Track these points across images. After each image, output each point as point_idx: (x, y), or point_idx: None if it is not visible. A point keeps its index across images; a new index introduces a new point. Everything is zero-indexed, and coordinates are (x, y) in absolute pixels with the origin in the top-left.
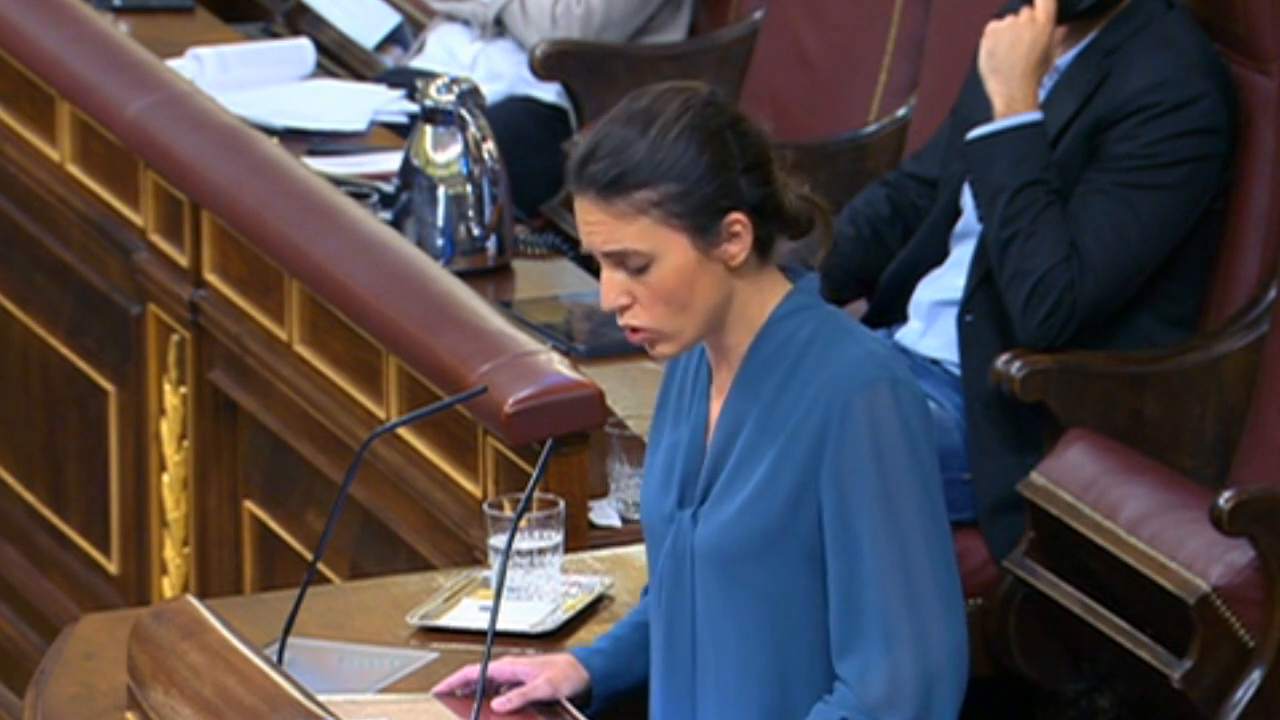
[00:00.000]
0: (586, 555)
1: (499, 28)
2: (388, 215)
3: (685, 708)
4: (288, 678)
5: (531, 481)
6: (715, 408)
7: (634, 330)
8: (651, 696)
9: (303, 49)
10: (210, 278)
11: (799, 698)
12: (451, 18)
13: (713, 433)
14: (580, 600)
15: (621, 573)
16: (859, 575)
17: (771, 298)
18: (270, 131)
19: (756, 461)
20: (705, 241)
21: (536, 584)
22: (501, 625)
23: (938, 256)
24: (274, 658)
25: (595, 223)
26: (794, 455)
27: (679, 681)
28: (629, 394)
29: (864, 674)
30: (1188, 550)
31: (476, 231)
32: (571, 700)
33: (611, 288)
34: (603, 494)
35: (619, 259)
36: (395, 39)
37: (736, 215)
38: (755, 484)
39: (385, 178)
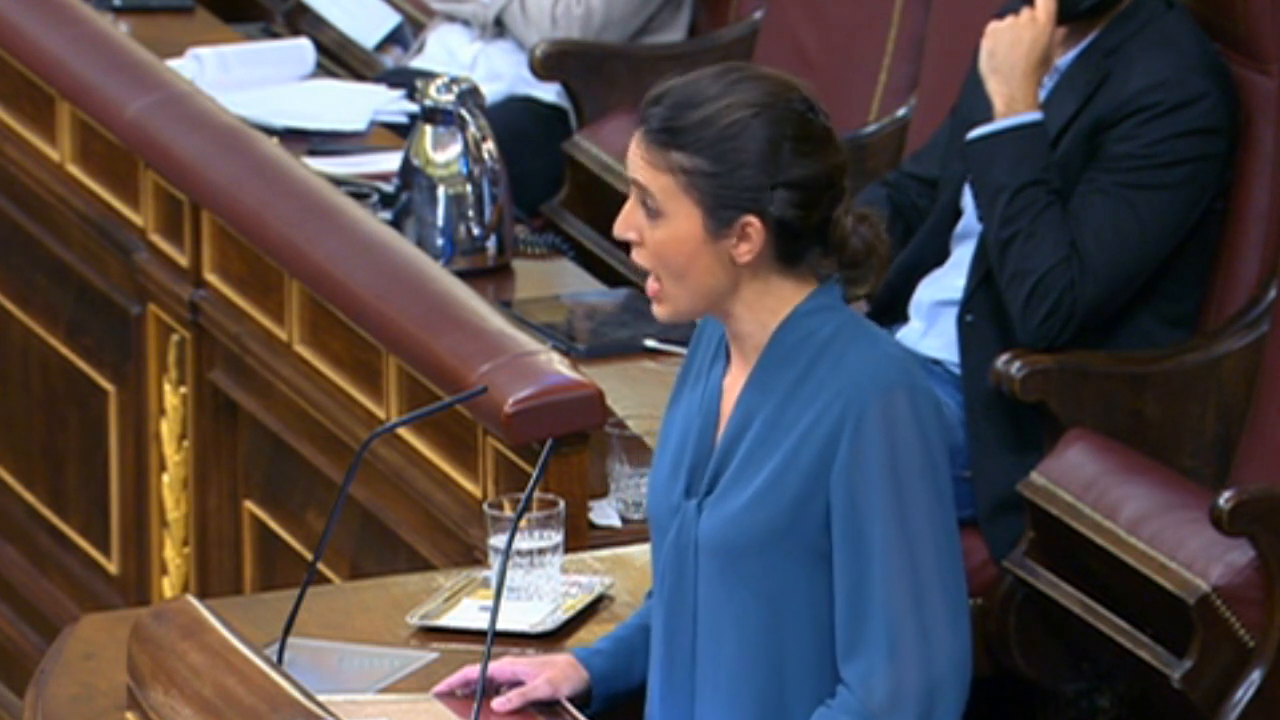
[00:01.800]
0: (586, 555)
1: (499, 28)
2: (388, 215)
3: (684, 699)
4: (288, 678)
5: (531, 481)
6: (729, 397)
7: (644, 274)
8: (649, 688)
9: (303, 49)
10: (210, 278)
11: (795, 694)
12: (451, 18)
13: (724, 423)
14: (580, 600)
15: (621, 573)
16: (867, 579)
17: (794, 296)
18: (270, 131)
19: (767, 456)
20: (715, 228)
21: (536, 584)
22: (501, 625)
23: (938, 257)
24: (274, 658)
25: (637, 155)
26: (806, 453)
27: (679, 672)
28: (629, 394)
29: (867, 679)
30: (1188, 550)
31: (476, 231)
32: (571, 700)
33: (626, 219)
34: (603, 494)
35: (641, 193)
36: (395, 39)
37: (751, 219)
38: (764, 479)
39: (385, 178)
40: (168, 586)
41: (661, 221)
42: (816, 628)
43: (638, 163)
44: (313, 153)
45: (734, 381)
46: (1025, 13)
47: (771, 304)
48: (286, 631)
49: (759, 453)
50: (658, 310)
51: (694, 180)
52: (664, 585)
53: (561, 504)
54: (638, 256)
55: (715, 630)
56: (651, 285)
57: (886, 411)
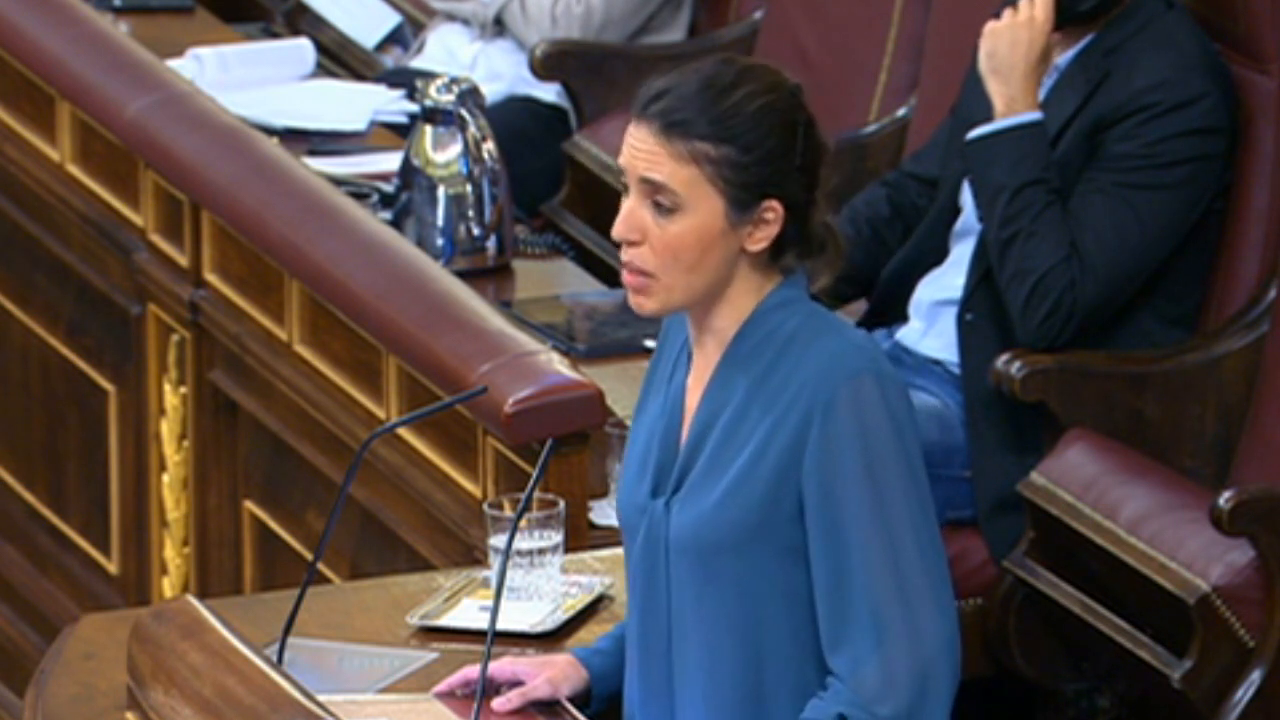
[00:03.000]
0: (586, 555)
1: (499, 28)
2: (388, 215)
3: (663, 699)
4: (288, 678)
5: (531, 481)
6: (693, 396)
7: (632, 271)
8: (627, 688)
9: (303, 49)
10: (210, 278)
11: (772, 689)
12: (451, 18)
13: (689, 421)
14: (580, 600)
15: (621, 573)
16: (847, 567)
17: (763, 290)
18: (270, 131)
19: (735, 452)
20: (737, 216)
21: (536, 584)
22: (501, 625)
23: (937, 256)
24: (274, 658)
25: (645, 150)
26: (774, 446)
27: (656, 672)
28: (629, 394)
29: (857, 667)
30: (1188, 550)
31: (476, 231)
32: (571, 700)
33: (629, 219)
34: (603, 494)
35: (652, 190)
36: (395, 39)
37: (774, 204)
38: (733, 475)
39: (385, 178)
40: (168, 586)
41: (678, 216)
42: (792, 621)
43: (651, 158)
44: (313, 153)
45: (697, 380)
46: (1024, 11)
47: (748, 298)
48: (286, 631)
49: (726, 450)
50: (645, 303)
51: (721, 169)
52: (636, 586)
53: (561, 504)
54: (636, 256)
55: (689, 629)
56: (636, 279)
57: (855, 398)
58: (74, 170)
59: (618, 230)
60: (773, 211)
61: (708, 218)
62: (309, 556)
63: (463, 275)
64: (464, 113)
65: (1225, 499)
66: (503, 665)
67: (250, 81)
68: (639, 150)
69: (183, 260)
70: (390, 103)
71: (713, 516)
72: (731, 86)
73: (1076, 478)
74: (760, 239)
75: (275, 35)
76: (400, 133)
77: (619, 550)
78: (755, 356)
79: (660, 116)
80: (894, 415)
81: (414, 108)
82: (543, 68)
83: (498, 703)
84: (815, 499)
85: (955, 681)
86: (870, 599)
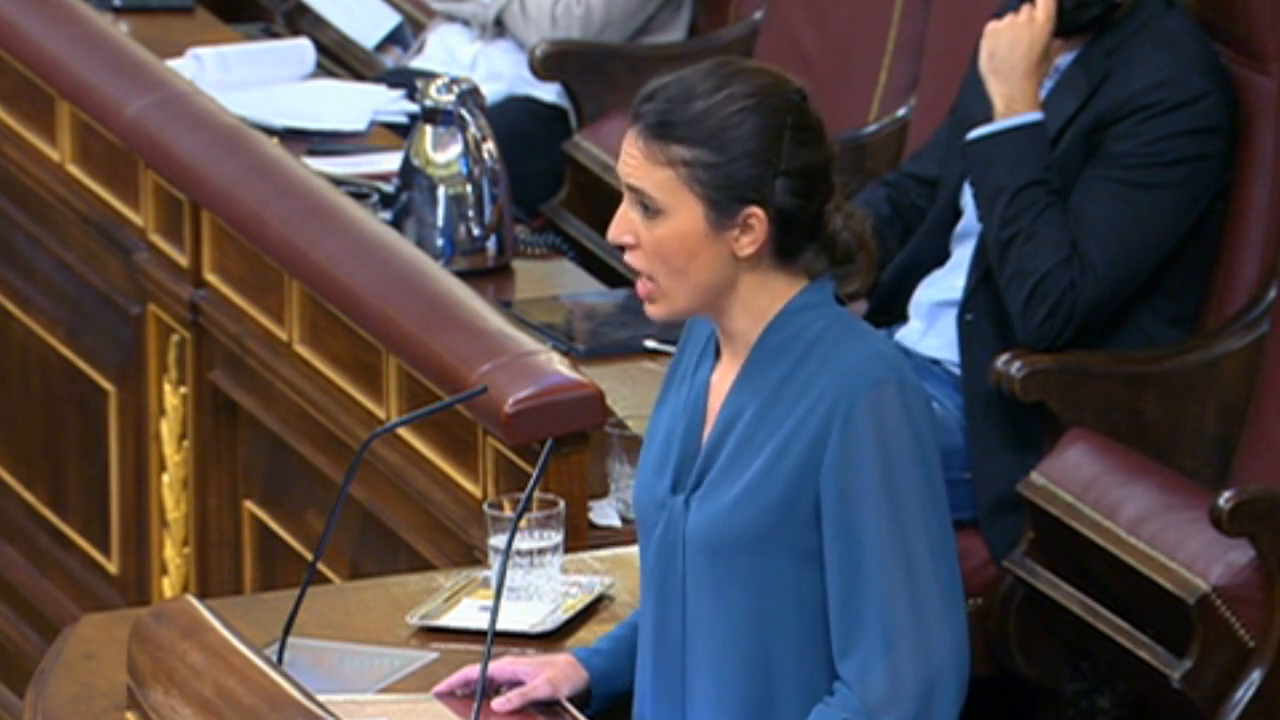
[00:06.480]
0: (586, 555)
1: (499, 28)
2: (388, 215)
3: (674, 695)
4: (288, 678)
5: (531, 481)
6: (717, 394)
7: (639, 276)
8: (639, 684)
9: (303, 49)
10: (210, 278)
11: (782, 690)
12: (451, 18)
13: (712, 420)
14: (580, 600)
15: (621, 573)
16: (861, 574)
17: (786, 293)
18: (270, 131)
19: (754, 453)
20: (718, 220)
21: (536, 584)
22: (501, 625)
23: (937, 256)
24: (274, 658)
25: (631, 155)
26: (794, 449)
27: (668, 668)
28: (629, 394)
29: (864, 675)
30: (1188, 550)
31: (476, 231)
32: (571, 700)
33: (621, 222)
34: (603, 494)
35: (637, 196)
36: (395, 39)
37: (755, 210)
38: (751, 476)
39: (385, 178)
40: (168, 586)
41: (661, 219)
42: (804, 624)
43: (634, 162)
44: (313, 153)
45: (722, 379)
46: (1025, 12)
47: (766, 301)
48: (286, 631)
49: (746, 449)
50: (652, 310)
51: (695, 172)
52: (652, 581)
53: (561, 504)
54: (633, 259)
55: (703, 626)
56: (644, 285)
57: (876, 406)
58: (74, 170)
59: (611, 233)
60: (755, 218)
61: (687, 221)
62: (309, 556)
63: (463, 275)
64: (464, 113)
65: (1225, 499)
66: (503, 665)
67: (250, 81)
68: (627, 155)
69: (183, 260)
70: (390, 103)
71: (729, 516)
72: (716, 89)
73: (1076, 478)
74: (747, 245)
75: (275, 35)
76: (400, 133)
77: (619, 550)
78: (779, 358)
79: (644, 119)
80: (915, 424)
81: (414, 108)
82: (543, 68)
83: (498, 703)
84: (832, 505)
85: (962, 694)
86: (882, 607)
